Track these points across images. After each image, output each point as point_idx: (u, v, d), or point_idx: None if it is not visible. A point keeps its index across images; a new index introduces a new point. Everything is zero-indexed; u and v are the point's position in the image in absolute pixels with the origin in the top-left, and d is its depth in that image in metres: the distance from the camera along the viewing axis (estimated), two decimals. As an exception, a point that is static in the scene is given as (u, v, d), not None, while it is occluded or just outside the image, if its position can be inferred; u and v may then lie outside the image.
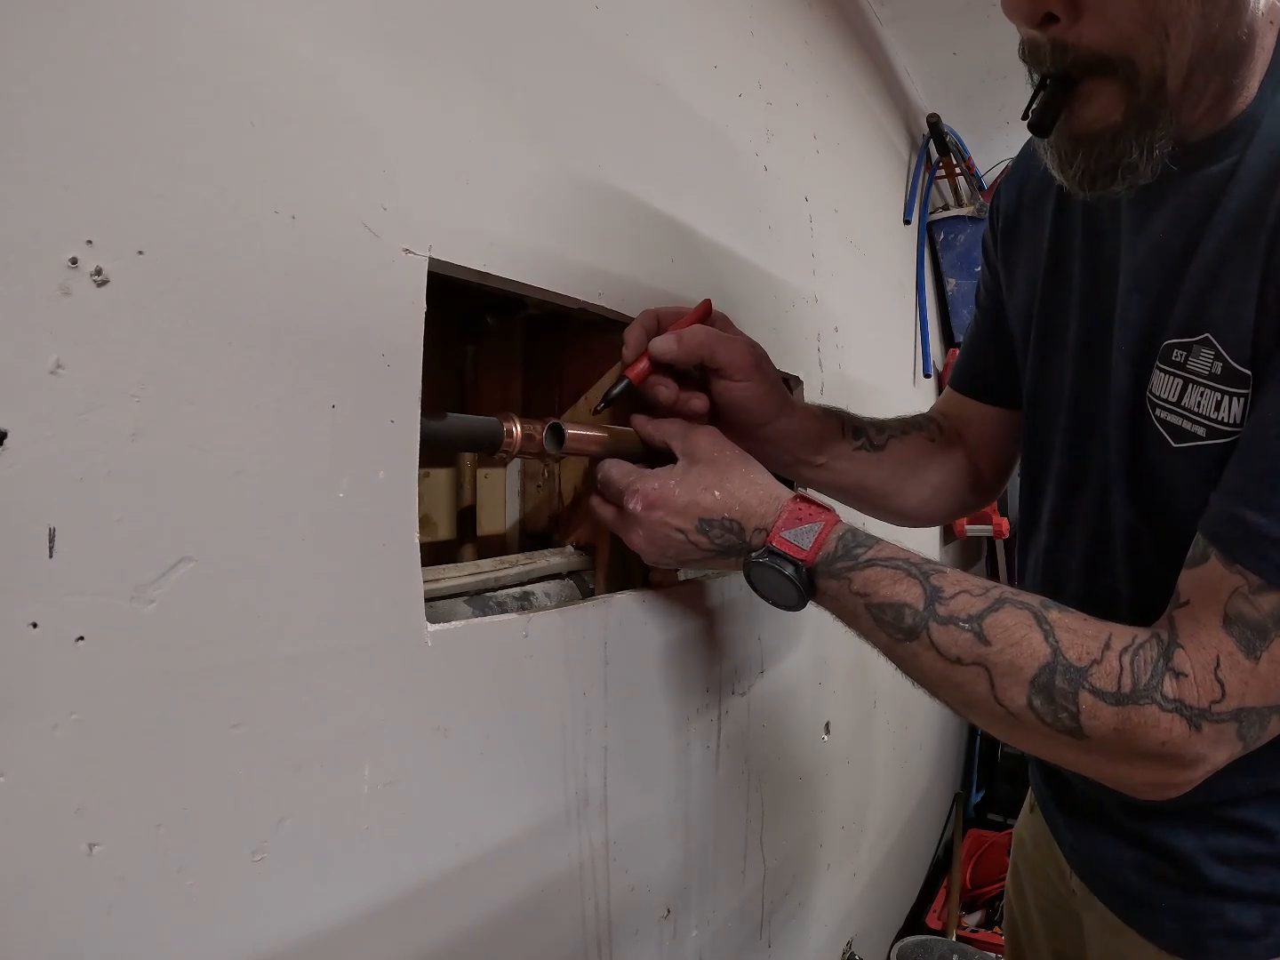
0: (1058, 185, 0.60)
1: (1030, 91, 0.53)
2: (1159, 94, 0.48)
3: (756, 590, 0.59)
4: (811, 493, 0.60)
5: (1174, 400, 0.53)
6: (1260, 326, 0.48)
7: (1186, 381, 0.52)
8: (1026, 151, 0.74)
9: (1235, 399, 0.50)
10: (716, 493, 0.58)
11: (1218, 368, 0.50)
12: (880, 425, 0.82)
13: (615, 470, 0.62)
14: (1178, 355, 0.53)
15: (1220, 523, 0.49)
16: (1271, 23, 0.50)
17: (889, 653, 0.55)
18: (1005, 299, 0.75)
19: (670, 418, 0.65)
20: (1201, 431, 0.52)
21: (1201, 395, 0.51)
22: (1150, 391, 0.56)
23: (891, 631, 0.53)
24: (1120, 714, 0.48)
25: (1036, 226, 0.69)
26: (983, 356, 0.82)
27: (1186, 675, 0.48)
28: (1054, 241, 0.67)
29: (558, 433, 0.60)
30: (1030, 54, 0.51)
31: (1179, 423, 0.53)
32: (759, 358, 0.69)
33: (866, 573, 0.54)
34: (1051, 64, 0.50)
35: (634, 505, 0.59)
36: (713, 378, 0.67)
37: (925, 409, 0.90)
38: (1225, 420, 0.50)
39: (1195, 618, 0.49)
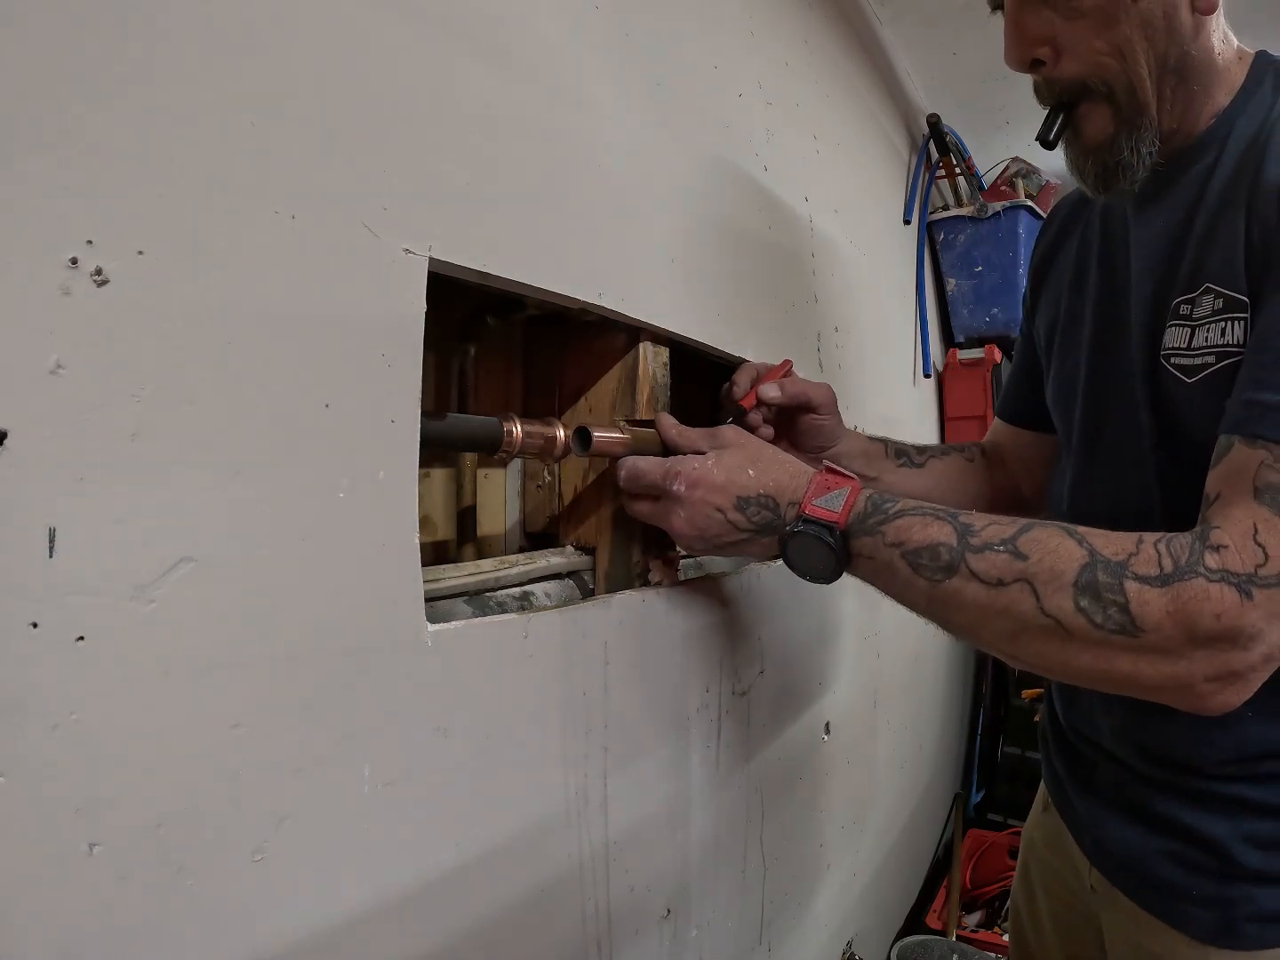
0: (1081, 224, 0.78)
1: (1040, 120, 0.68)
2: (1136, 104, 0.61)
3: (793, 565, 0.61)
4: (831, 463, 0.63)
5: (1184, 346, 0.61)
6: (1249, 261, 0.56)
7: (1194, 328, 0.60)
8: (1055, 209, 0.87)
9: (1237, 322, 0.57)
10: (750, 471, 0.62)
11: (1219, 303, 0.58)
12: (921, 448, 0.90)
13: (644, 462, 0.65)
14: (1184, 309, 0.61)
15: (1238, 413, 0.54)
16: (1240, 58, 0.64)
17: (929, 599, 0.55)
18: (1035, 328, 0.85)
19: (692, 428, 0.69)
20: (1212, 359, 0.58)
21: (1208, 331, 0.59)
22: (1164, 348, 0.63)
23: (930, 574, 0.54)
24: (1169, 594, 0.48)
25: (1063, 262, 0.81)
26: (1018, 386, 0.92)
27: (1226, 546, 0.49)
28: (1077, 266, 0.78)
29: (584, 436, 0.63)
30: (1036, 93, 0.67)
31: (1190, 362, 0.60)
32: (834, 397, 0.83)
33: (898, 523, 0.56)
34: (1050, 97, 0.65)
35: (678, 486, 0.62)
36: (802, 414, 0.81)
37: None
38: (1231, 342, 0.57)
39: (1226, 501, 0.51)
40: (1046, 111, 0.66)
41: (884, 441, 0.89)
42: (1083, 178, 0.66)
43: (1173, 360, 0.61)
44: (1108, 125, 0.62)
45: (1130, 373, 0.66)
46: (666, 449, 0.68)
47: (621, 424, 0.67)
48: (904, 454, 0.88)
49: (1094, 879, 0.74)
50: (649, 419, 0.72)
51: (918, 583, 0.55)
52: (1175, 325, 0.62)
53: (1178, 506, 0.59)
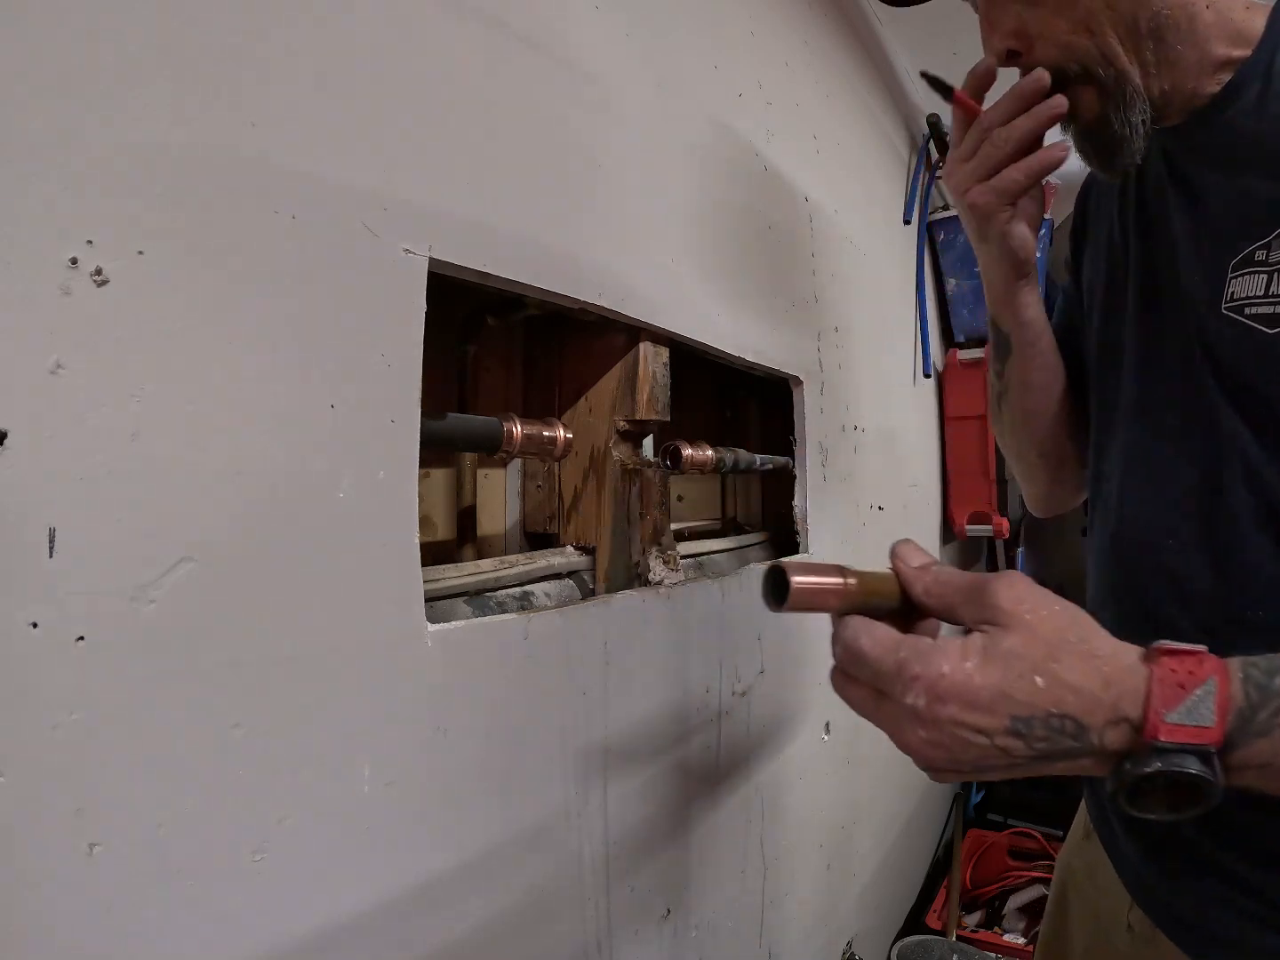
0: (1117, 187, 0.72)
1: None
2: (1116, 76, 0.59)
3: (1141, 813, 0.42)
4: (1165, 642, 0.41)
5: (1261, 293, 0.56)
6: None
7: (1272, 272, 0.56)
8: (1085, 182, 0.83)
9: None
10: (1038, 679, 0.40)
11: None
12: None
13: (868, 641, 0.43)
14: (1260, 254, 0.57)
15: None
16: (1248, 8, 0.61)
17: None
18: (1082, 291, 0.79)
19: (950, 570, 0.45)
20: None
21: None
22: (1230, 300, 0.58)
23: None
24: None
25: (1102, 223, 0.76)
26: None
27: None
28: (1120, 227, 0.72)
29: (778, 582, 0.42)
30: None
31: (1271, 310, 0.56)
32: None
33: None
34: None
35: (915, 700, 0.42)
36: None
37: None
38: None
39: None
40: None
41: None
42: (1086, 160, 0.65)
43: (1248, 311, 0.57)
44: (1094, 104, 0.61)
45: (1186, 335, 0.62)
46: (905, 601, 0.46)
47: (844, 568, 0.44)
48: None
49: (1134, 917, 0.67)
50: (880, 575, 0.47)
51: None
52: (1250, 273, 0.57)
53: (1258, 476, 0.56)
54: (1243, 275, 0.58)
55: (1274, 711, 0.39)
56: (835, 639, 0.45)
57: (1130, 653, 0.42)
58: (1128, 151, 0.61)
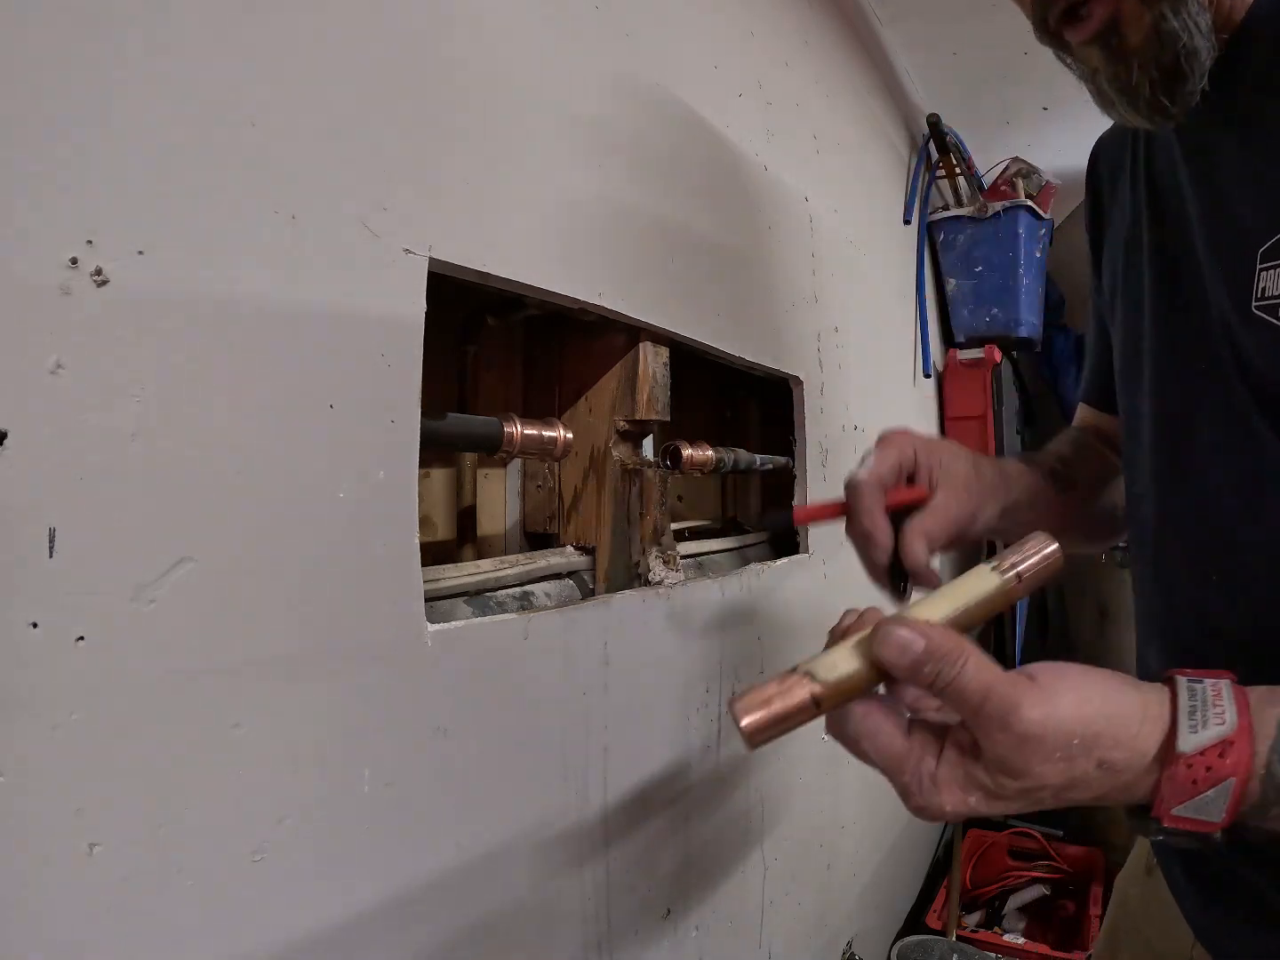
0: (1128, 168, 0.61)
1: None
2: None
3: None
4: (1191, 695, 0.39)
5: None
6: None
7: None
8: (1096, 151, 0.71)
9: None
10: (1047, 799, 0.39)
11: None
12: (1061, 455, 0.74)
13: (871, 745, 0.41)
14: None
15: None
16: None
17: None
18: (1102, 292, 0.70)
19: (963, 663, 0.38)
20: None
21: None
22: (1261, 297, 0.49)
23: None
24: None
25: (1116, 213, 0.66)
26: (1100, 362, 0.74)
27: None
28: (1131, 217, 0.63)
29: (745, 719, 0.38)
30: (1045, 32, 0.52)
31: None
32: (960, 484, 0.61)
33: None
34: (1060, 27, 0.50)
35: (919, 810, 0.41)
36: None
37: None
38: None
39: None
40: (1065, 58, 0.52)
41: (1030, 464, 0.70)
42: (1135, 103, 0.49)
43: None
44: (1139, 11, 0.46)
45: (1209, 336, 0.53)
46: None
47: (811, 673, 0.39)
48: (1056, 475, 0.70)
49: (1196, 952, 0.63)
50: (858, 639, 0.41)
51: None
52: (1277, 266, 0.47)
53: None
54: (1276, 267, 0.48)
55: None
56: (838, 720, 0.42)
57: (1148, 741, 0.38)
58: (1197, 69, 0.46)
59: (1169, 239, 0.57)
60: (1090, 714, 0.38)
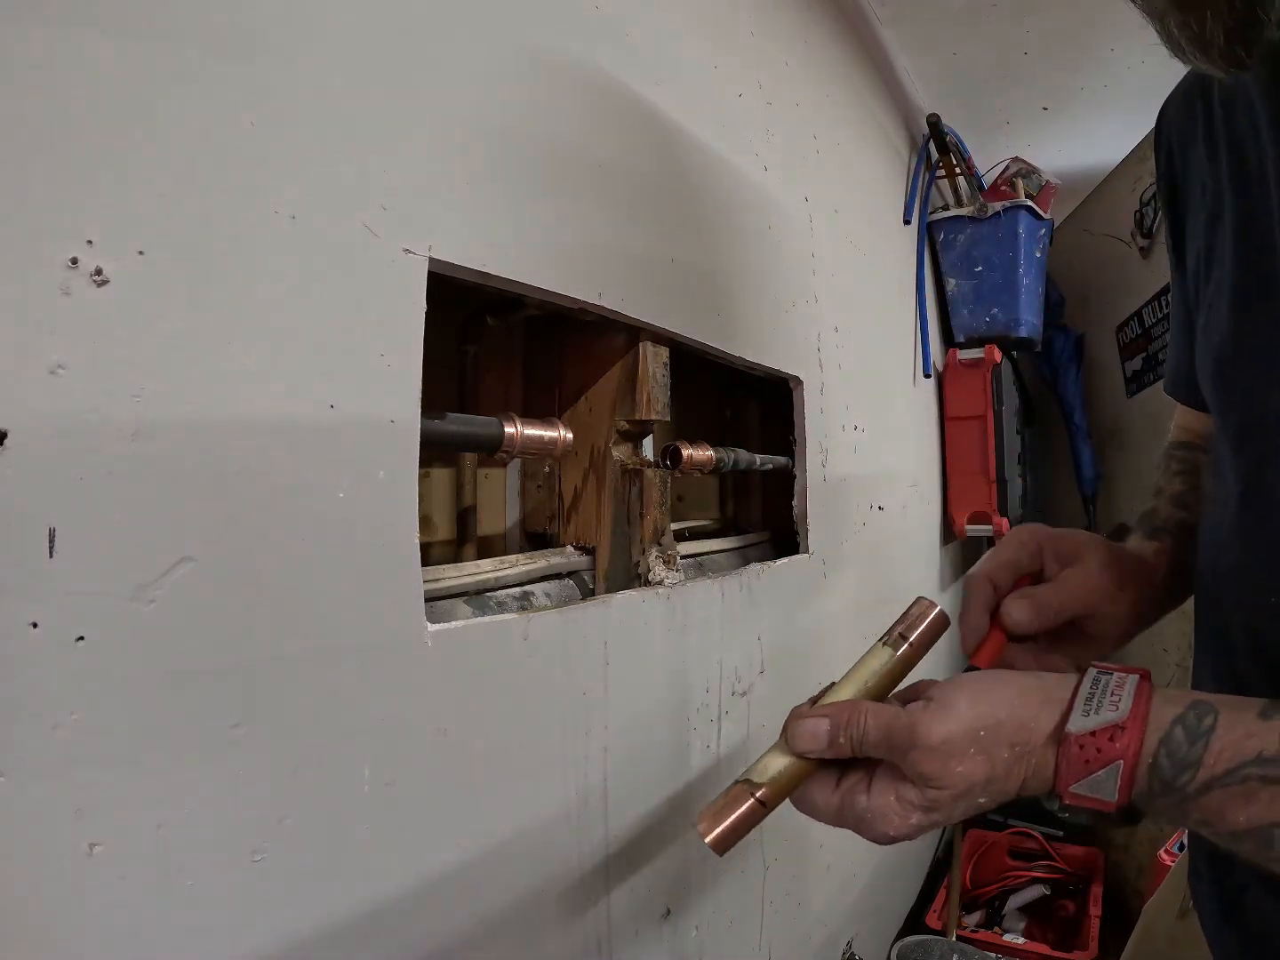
0: (1200, 132, 0.55)
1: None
2: None
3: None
4: (1094, 684, 0.42)
5: None
6: None
7: None
8: (1161, 117, 0.64)
9: None
10: (982, 799, 0.42)
11: None
12: (1174, 496, 0.67)
13: (811, 812, 0.46)
14: None
15: None
16: None
17: (1269, 867, 0.41)
18: (1185, 275, 0.63)
19: (863, 717, 0.44)
20: None
21: None
22: None
23: (1264, 859, 0.40)
24: None
25: (1194, 185, 0.59)
26: (1180, 353, 0.67)
27: None
28: (1212, 188, 0.56)
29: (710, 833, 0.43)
30: None
31: None
32: (1108, 580, 0.58)
33: (1204, 801, 0.39)
34: None
35: (870, 838, 0.44)
36: (1071, 629, 0.58)
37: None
38: None
39: None
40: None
41: (1160, 533, 0.65)
42: (1207, 52, 0.42)
43: None
44: None
45: None
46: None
47: (751, 781, 0.44)
48: (1183, 527, 0.64)
49: None
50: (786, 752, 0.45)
51: (1244, 857, 0.41)
52: None
53: None
54: None
55: (1175, 800, 0.39)
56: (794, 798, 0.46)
57: (1042, 721, 0.42)
58: (1274, 14, 0.39)
59: (1257, 209, 0.50)
60: (985, 710, 0.41)
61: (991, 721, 0.41)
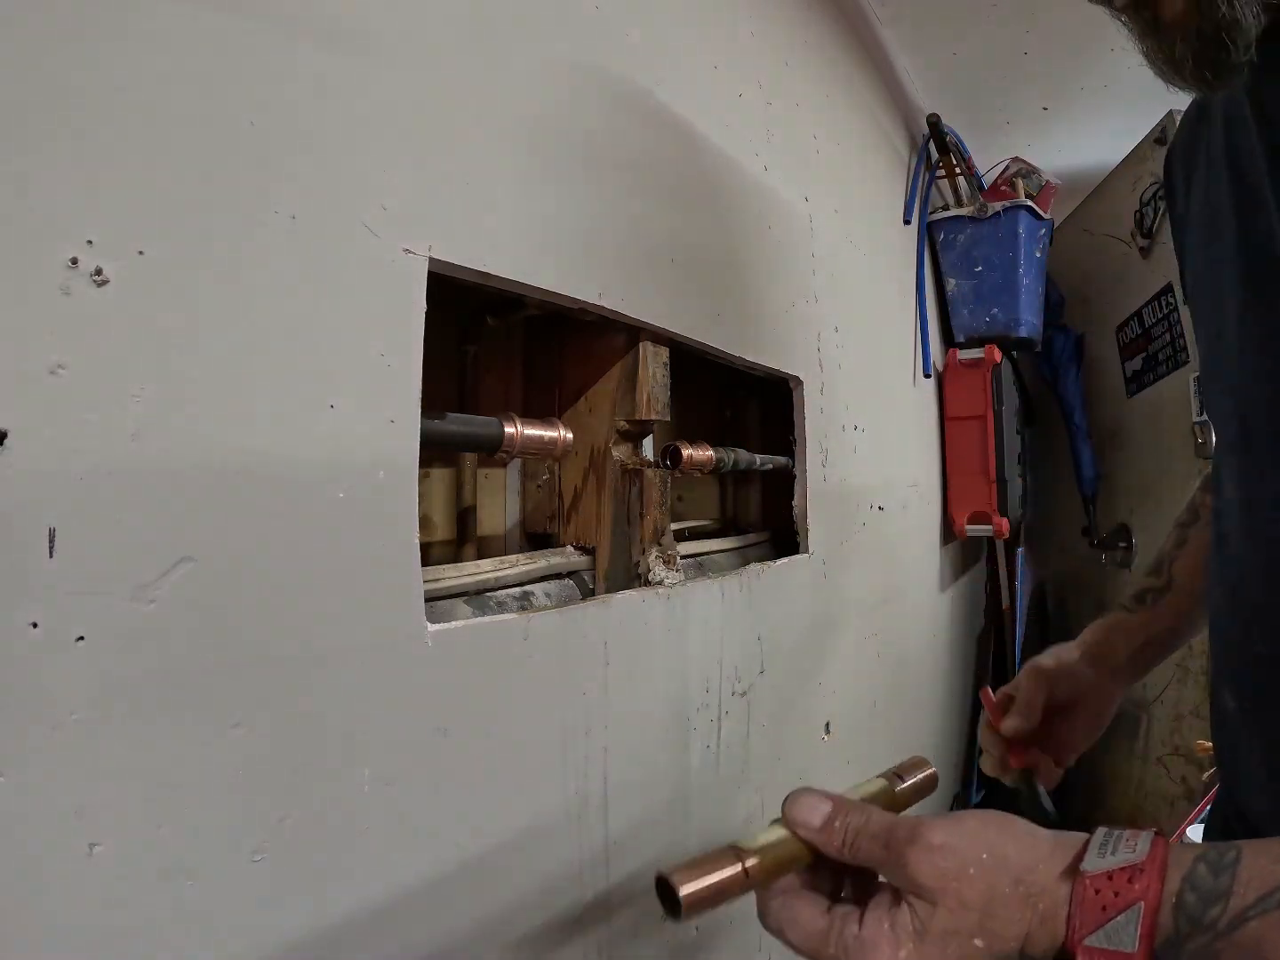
0: (1204, 146, 0.57)
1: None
2: None
3: None
4: (1106, 835, 0.39)
5: None
6: None
7: None
8: (1179, 130, 0.66)
9: None
10: (978, 941, 0.38)
11: None
12: (1159, 559, 0.75)
13: (796, 935, 0.42)
14: None
15: None
16: None
17: None
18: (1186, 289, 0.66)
19: (867, 813, 0.43)
20: None
21: None
22: None
23: None
24: None
25: (1195, 200, 0.61)
26: None
27: None
28: (1207, 203, 0.58)
29: (669, 895, 0.40)
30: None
31: None
32: (1088, 673, 0.70)
33: (1239, 936, 0.35)
34: None
35: None
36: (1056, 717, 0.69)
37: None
38: None
39: None
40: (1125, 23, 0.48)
41: (1124, 610, 0.73)
42: (1180, 73, 0.46)
43: None
44: None
45: None
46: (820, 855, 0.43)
47: (739, 849, 0.42)
48: (1144, 595, 0.73)
49: None
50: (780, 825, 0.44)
51: None
52: None
53: None
54: None
55: (1208, 940, 0.35)
56: (761, 914, 0.43)
57: (1053, 862, 0.39)
58: (1241, 41, 0.43)
59: (1254, 221, 0.51)
60: (994, 837, 0.39)
61: (999, 851, 0.39)
